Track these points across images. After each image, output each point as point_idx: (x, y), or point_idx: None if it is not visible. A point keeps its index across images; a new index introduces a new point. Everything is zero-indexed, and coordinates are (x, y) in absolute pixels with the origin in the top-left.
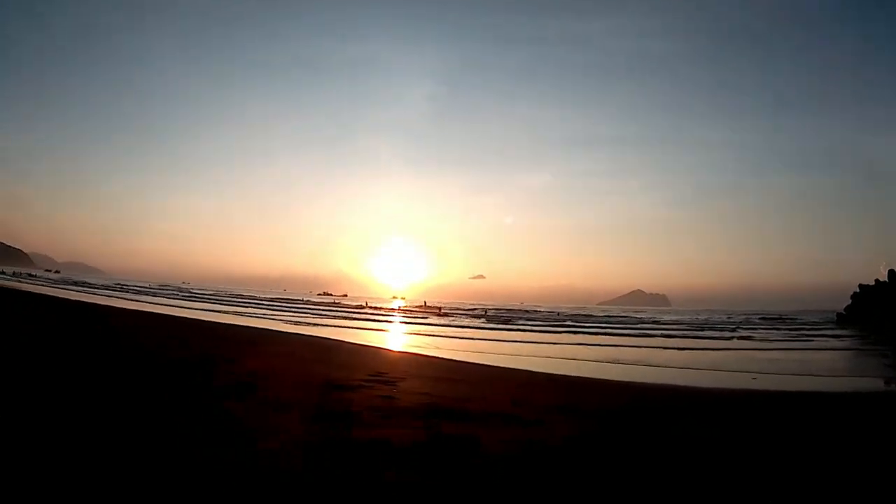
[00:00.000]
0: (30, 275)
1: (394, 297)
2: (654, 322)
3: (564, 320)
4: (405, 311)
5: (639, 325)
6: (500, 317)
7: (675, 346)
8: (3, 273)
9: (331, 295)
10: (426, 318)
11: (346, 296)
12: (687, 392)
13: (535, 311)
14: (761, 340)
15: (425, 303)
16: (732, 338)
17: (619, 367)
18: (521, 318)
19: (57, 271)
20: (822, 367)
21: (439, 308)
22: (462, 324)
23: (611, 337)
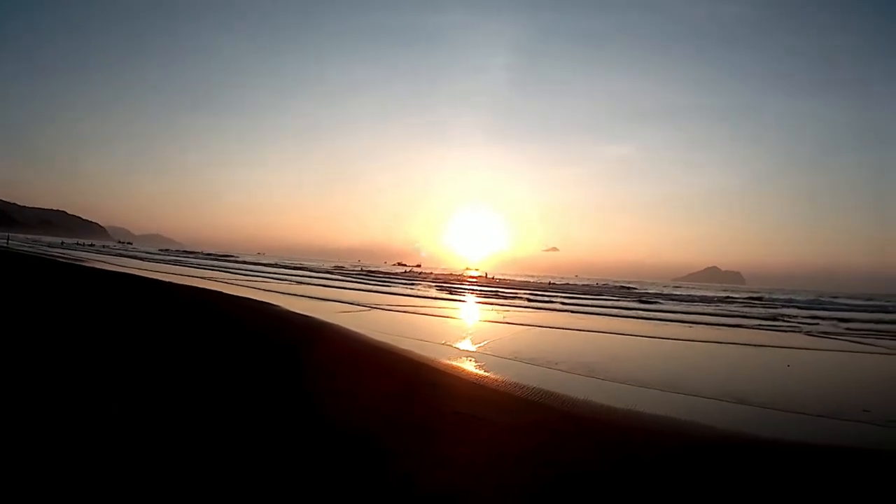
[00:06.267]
0: (91, 245)
1: (467, 269)
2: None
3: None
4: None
5: (715, 309)
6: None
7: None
8: (77, 244)
9: (405, 266)
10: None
11: (419, 266)
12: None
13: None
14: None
15: (486, 274)
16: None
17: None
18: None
19: (129, 243)
20: None
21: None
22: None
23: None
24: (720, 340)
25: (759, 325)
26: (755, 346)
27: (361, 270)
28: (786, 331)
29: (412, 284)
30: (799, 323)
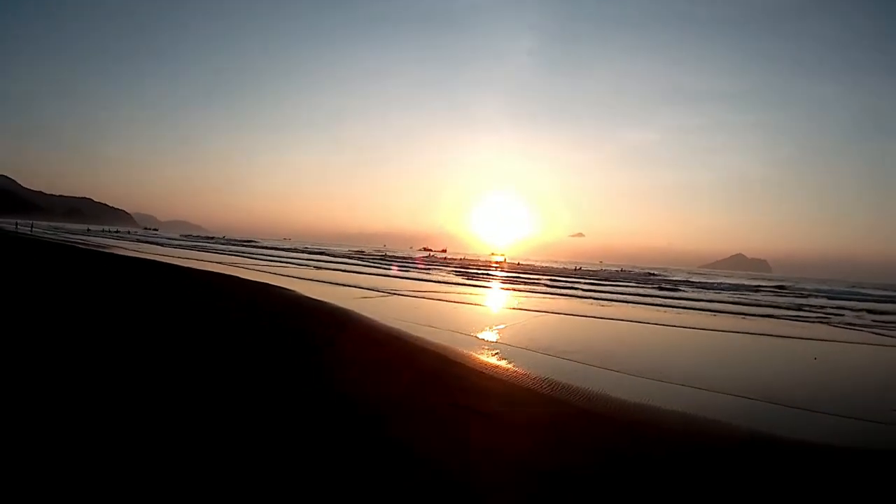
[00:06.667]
0: (116, 231)
1: (492, 254)
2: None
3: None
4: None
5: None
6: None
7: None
8: (98, 230)
9: (430, 251)
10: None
11: (445, 251)
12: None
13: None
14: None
15: (506, 259)
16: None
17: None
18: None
19: (155, 229)
20: None
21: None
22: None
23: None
24: (744, 331)
25: (785, 314)
26: (781, 337)
27: (385, 256)
28: (812, 321)
29: (434, 270)
30: (826, 313)
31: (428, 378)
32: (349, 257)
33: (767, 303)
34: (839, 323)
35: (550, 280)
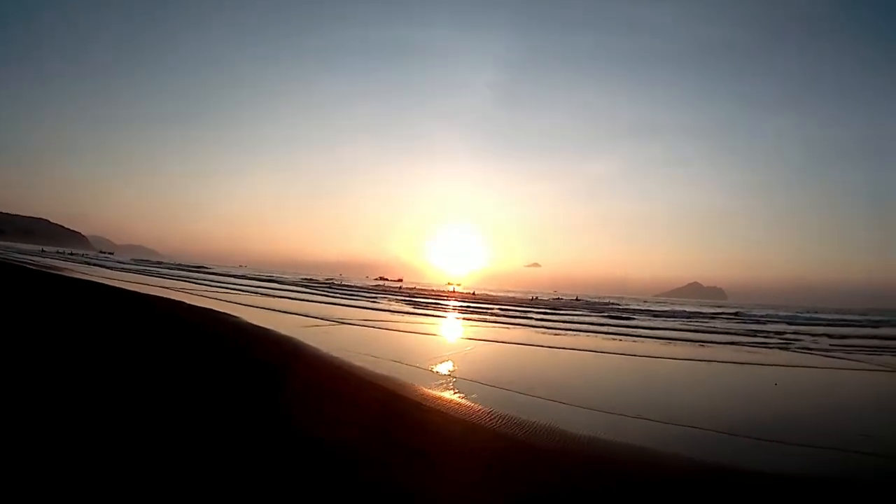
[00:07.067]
0: (70, 253)
1: (448, 284)
2: (703, 317)
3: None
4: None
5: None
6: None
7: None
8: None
9: (386, 280)
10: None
11: (401, 280)
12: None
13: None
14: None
15: (454, 289)
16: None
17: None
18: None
19: (110, 253)
20: None
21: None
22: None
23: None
24: (702, 358)
25: (743, 341)
26: (739, 363)
27: (339, 283)
28: (771, 347)
29: (385, 299)
30: (785, 339)
31: (360, 409)
32: (299, 285)
33: (725, 329)
34: (798, 348)
35: (503, 309)
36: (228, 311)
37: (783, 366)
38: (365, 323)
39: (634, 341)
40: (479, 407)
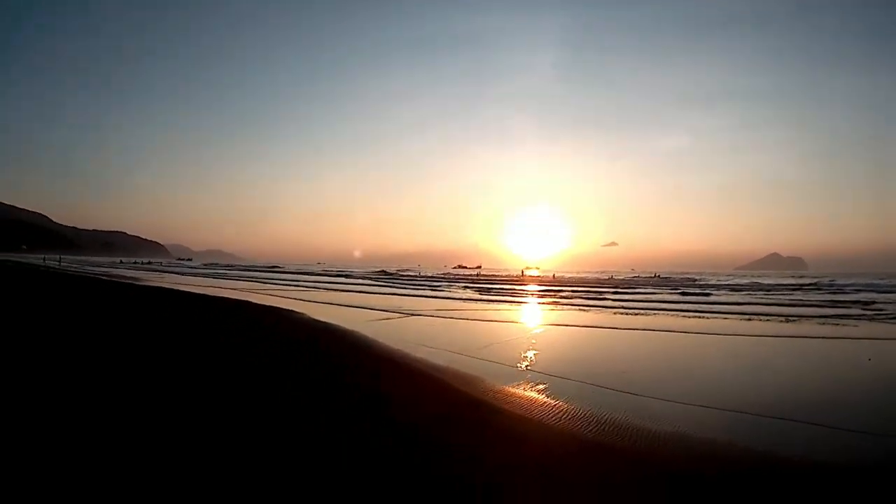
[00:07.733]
0: (147, 262)
1: (526, 268)
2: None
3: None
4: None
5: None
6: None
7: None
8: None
9: (464, 268)
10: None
11: (479, 268)
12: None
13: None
14: None
15: (522, 271)
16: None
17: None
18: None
19: (189, 259)
20: None
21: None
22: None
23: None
24: (788, 334)
25: (827, 313)
26: (826, 338)
27: (419, 275)
28: (861, 318)
29: (461, 287)
30: (876, 309)
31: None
32: (370, 278)
33: (808, 301)
34: (888, 317)
35: (576, 291)
36: (297, 309)
37: (878, 339)
38: (437, 313)
39: (713, 318)
40: (570, 407)
